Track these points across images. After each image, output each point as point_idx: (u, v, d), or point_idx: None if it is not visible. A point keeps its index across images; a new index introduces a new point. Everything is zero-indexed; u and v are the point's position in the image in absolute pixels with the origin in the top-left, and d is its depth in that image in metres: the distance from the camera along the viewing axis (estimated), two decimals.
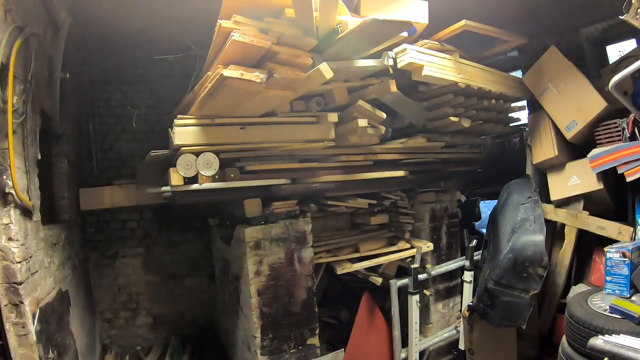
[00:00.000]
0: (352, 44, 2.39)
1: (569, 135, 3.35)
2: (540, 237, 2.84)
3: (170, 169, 2.57)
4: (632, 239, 2.91)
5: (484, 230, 4.29)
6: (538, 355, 3.43)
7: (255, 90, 2.24)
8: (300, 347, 3.04)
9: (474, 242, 3.56)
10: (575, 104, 3.31)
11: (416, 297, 3.30)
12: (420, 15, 2.85)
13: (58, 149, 3.31)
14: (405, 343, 3.39)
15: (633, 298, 2.49)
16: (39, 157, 2.51)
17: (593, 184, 3.18)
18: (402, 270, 3.64)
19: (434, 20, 2.91)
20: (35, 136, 2.47)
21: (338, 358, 3.17)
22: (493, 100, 3.47)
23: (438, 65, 2.92)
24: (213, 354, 4.11)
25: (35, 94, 2.39)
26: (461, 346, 3.60)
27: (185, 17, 3.25)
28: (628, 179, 2.86)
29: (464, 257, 3.66)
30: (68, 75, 2.92)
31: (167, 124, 2.73)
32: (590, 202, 3.29)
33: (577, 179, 3.32)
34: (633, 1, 2.53)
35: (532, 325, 3.21)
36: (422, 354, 3.52)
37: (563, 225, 3.41)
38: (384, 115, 3.03)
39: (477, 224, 4.35)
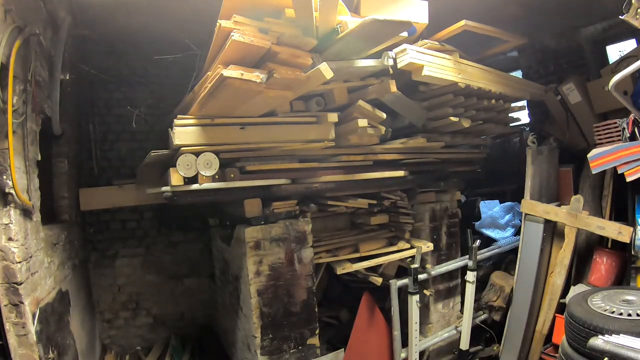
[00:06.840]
0: (352, 44, 2.38)
1: None
2: None
3: (170, 169, 2.57)
4: (632, 239, 2.91)
5: (484, 231, 4.28)
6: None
7: (255, 90, 2.24)
8: (300, 347, 3.04)
9: (478, 242, 3.55)
10: None
11: (416, 297, 3.30)
12: (420, 15, 2.85)
13: (58, 149, 3.30)
14: (405, 343, 3.39)
15: None
16: (39, 157, 2.51)
17: None
18: (402, 270, 3.64)
19: (434, 20, 2.90)
20: (35, 136, 2.47)
21: (338, 358, 3.17)
22: (493, 100, 3.47)
23: (438, 65, 2.91)
24: (213, 354, 4.10)
25: (35, 94, 2.39)
26: (462, 346, 3.60)
27: (185, 17, 3.25)
28: (628, 179, 2.86)
29: (467, 257, 3.64)
30: (68, 76, 2.92)
31: (167, 124, 2.73)
32: None
33: None
34: (633, 1, 2.52)
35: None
36: (422, 354, 3.52)
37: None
38: (384, 115, 3.03)
39: (477, 224, 4.34)
